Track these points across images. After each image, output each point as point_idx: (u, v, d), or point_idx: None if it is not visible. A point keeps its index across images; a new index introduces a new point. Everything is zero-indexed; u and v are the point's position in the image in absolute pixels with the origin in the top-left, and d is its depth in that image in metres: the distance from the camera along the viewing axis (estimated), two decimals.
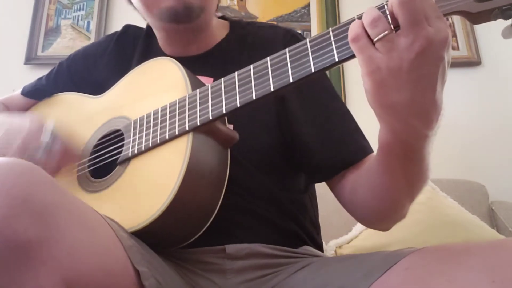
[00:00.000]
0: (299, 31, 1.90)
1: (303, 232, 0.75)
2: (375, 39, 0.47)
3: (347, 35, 0.50)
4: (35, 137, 0.70)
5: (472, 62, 1.81)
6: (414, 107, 0.48)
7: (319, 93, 0.77)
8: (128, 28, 0.91)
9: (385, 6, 0.49)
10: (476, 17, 0.48)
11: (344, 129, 0.75)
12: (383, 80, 0.47)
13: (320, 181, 0.76)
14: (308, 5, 1.96)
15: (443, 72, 0.47)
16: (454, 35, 1.87)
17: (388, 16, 0.48)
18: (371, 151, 0.74)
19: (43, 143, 0.69)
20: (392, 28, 0.47)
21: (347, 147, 0.73)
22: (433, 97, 0.48)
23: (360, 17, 0.50)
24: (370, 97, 0.50)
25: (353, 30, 0.48)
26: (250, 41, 0.81)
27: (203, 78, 0.73)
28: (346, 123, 0.76)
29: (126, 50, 0.88)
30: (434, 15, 0.45)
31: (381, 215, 0.69)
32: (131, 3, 0.83)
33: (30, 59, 1.96)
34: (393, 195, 0.63)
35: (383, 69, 0.47)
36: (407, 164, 0.57)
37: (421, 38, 0.45)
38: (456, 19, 1.89)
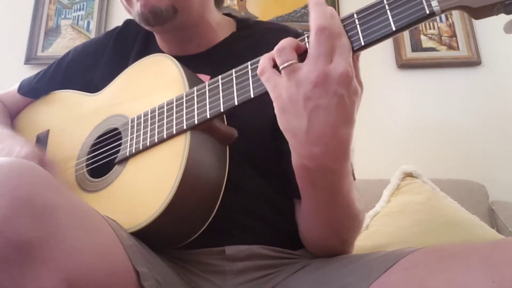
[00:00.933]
0: (300, 31, 1.90)
1: None
2: (280, 67, 0.51)
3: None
4: None
5: (472, 62, 1.80)
6: (311, 135, 0.51)
7: None
8: (129, 24, 0.91)
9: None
10: (477, 12, 0.47)
11: None
12: (284, 106, 0.51)
13: (291, 197, 0.74)
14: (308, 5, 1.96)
15: (341, 108, 0.49)
16: (454, 35, 1.87)
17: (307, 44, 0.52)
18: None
19: None
20: (297, 58, 0.51)
21: None
22: (331, 130, 0.50)
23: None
24: (278, 121, 0.54)
25: (260, 64, 0.54)
26: (256, 42, 0.81)
27: (203, 77, 0.72)
28: None
29: (125, 47, 0.87)
30: (337, 52, 0.49)
31: (311, 246, 0.71)
32: None
33: (30, 59, 1.95)
34: (314, 225, 0.66)
35: (283, 95, 0.51)
36: (318, 192, 0.59)
37: (318, 70, 0.48)
38: (456, 19, 1.88)
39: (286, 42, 0.52)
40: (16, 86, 0.95)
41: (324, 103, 0.49)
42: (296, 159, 0.57)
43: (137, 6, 0.73)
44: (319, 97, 0.49)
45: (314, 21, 0.50)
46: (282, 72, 0.51)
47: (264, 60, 0.54)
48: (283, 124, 0.53)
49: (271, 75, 0.52)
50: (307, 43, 0.53)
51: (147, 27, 0.78)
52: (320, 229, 0.65)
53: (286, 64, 0.50)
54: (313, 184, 0.58)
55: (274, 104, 0.53)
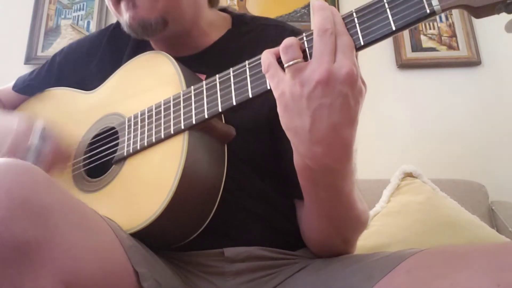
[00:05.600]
0: (297, 28, 1.90)
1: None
2: (285, 66, 0.51)
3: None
4: (23, 139, 0.69)
5: (472, 62, 1.80)
6: (314, 134, 0.51)
7: None
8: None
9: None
10: (479, 11, 0.47)
11: None
12: (287, 104, 0.51)
13: (291, 197, 0.74)
14: (308, 5, 1.96)
15: (346, 108, 0.49)
16: (454, 35, 1.87)
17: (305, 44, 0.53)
18: None
19: (32, 145, 0.68)
20: (302, 56, 0.51)
21: None
22: (335, 129, 0.50)
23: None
24: (280, 119, 0.54)
25: (264, 60, 0.54)
26: (253, 38, 0.79)
27: (199, 75, 0.72)
28: None
29: (119, 45, 0.86)
30: (340, 50, 0.49)
31: (312, 245, 0.70)
32: None
33: (30, 59, 1.95)
34: (315, 225, 0.66)
35: (287, 94, 0.51)
36: (320, 191, 0.59)
37: (322, 69, 0.48)
38: (456, 19, 1.88)
39: (293, 40, 0.52)
40: (11, 83, 0.95)
41: (327, 103, 0.49)
42: (298, 158, 0.57)
43: (125, 16, 0.72)
44: (323, 96, 0.49)
45: (317, 22, 0.51)
46: (286, 70, 0.51)
47: (268, 56, 0.54)
48: (285, 123, 0.53)
49: (275, 72, 0.52)
50: (305, 42, 0.53)
51: (135, 37, 0.77)
52: (322, 228, 0.65)
53: (292, 63, 0.50)
54: (315, 184, 0.58)
55: (277, 102, 0.53)
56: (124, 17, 0.73)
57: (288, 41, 0.52)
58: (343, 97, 0.49)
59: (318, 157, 0.53)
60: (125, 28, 0.75)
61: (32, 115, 0.77)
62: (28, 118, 0.73)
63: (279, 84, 0.52)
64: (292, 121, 0.52)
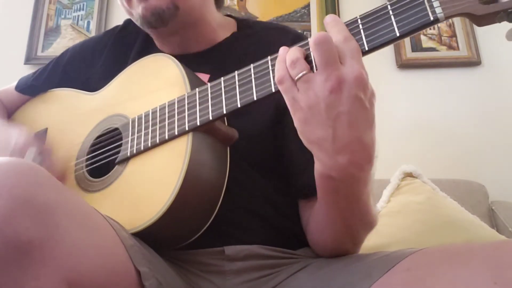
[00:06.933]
0: (299, 32, 1.90)
1: (302, 233, 0.74)
2: (295, 79, 0.51)
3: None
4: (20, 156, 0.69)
5: (472, 62, 1.80)
6: (338, 144, 0.50)
7: None
8: (128, 24, 0.90)
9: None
10: (481, 19, 0.48)
11: None
12: (306, 118, 0.51)
13: (294, 198, 0.75)
14: (308, 5, 1.96)
15: (363, 111, 0.50)
16: (454, 35, 1.87)
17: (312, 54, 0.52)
18: None
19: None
20: (310, 68, 0.51)
21: None
22: (357, 135, 0.50)
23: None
24: (299, 133, 0.54)
25: (278, 72, 0.53)
26: (257, 41, 0.80)
27: (202, 76, 0.72)
28: None
29: (124, 47, 0.87)
30: (348, 55, 0.49)
31: (322, 250, 0.70)
32: None
33: (30, 59, 1.95)
34: (329, 231, 0.65)
35: (304, 107, 0.51)
36: (340, 200, 0.59)
37: (333, 77, 0.48)
38: (456, 19, 1.88)
39: (298, 53, 0.52)
40: (13, 83, 0.95)
41: (345, 109, 0.49)
42: (320, 170, 0.56)
43: (138, 9, 0.74)
44: (340, 104, 0.49)
45: (311, 39, 0.51)
46: (297, 83, 0.51)
47: (282, 67, 0.53)
48: (307, 136, 0.53)
49: (289, 87, 0.52)
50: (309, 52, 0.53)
51: (149, 30, 0.78)
52: (337, 236, 0.65)
53: (300, 75, 0.50)
54: (336, 193, 0.58)
55: (294, 117, 0.53)
56: (137, 10, 0.74)
57: (294, 55, 0.52)
58: (358, 101, 0.49)
59: (343, 166, 0.52)
60: (138, 21, 0.76)
61: (31, 131, 0.77)
62: (24, 141, 0.73)
63: (294, 99, 0.51)
64: (314, 133, 0.51)
